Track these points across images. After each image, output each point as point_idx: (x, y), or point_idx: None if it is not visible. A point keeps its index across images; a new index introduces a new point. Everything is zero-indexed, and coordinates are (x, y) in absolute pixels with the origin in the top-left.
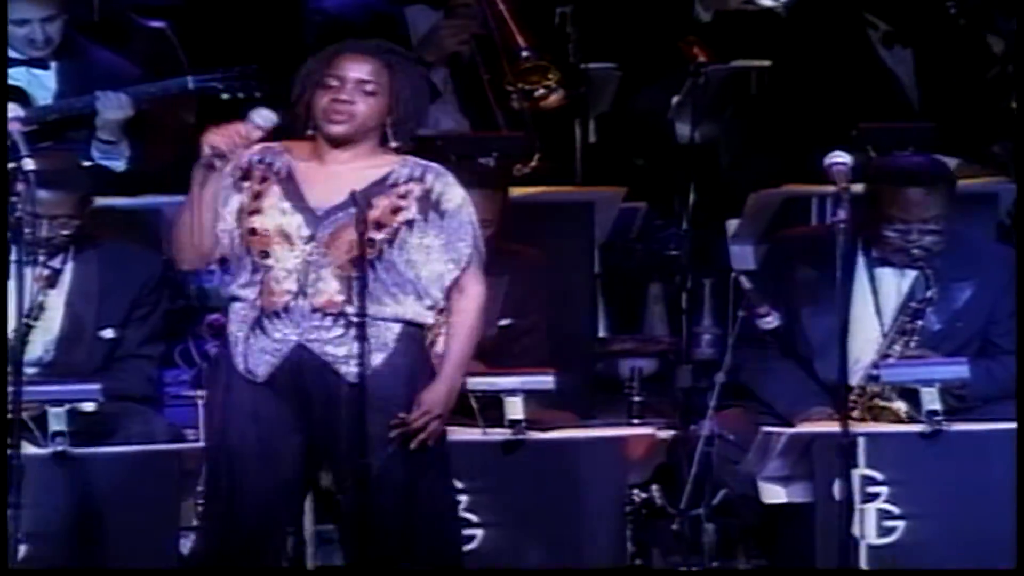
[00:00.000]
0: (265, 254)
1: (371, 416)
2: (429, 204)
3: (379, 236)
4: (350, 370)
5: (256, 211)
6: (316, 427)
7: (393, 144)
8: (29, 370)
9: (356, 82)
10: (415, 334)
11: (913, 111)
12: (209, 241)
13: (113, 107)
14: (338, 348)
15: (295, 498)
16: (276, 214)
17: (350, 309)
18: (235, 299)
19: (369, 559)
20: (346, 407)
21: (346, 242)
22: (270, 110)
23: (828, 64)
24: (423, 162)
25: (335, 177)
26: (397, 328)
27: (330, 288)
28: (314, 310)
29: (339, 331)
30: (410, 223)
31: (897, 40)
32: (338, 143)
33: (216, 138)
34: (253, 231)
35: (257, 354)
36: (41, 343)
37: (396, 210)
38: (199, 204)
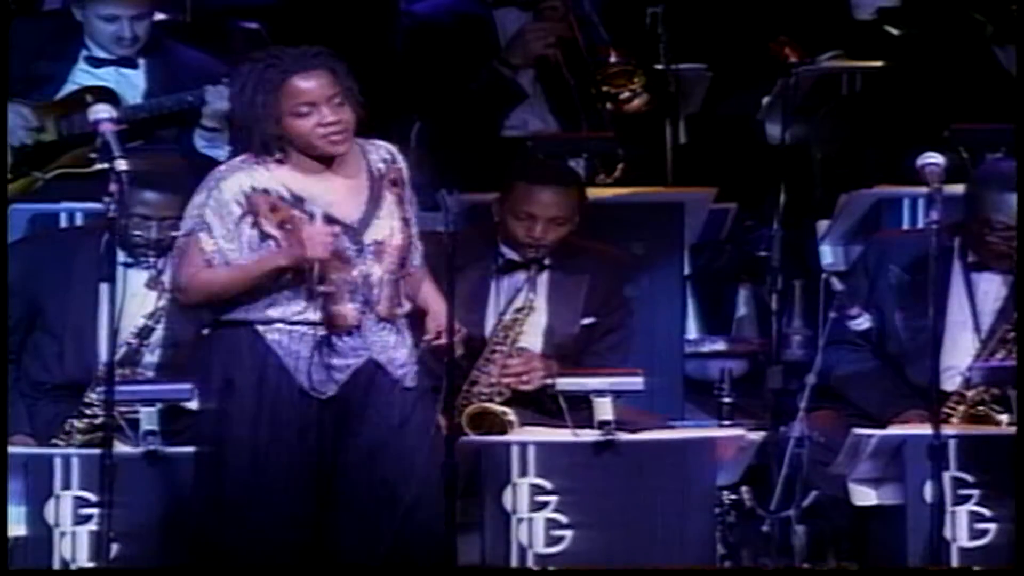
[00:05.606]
0: (322, 279)
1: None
2: (404, 184)
3: (411, 231)
4: (407, 372)
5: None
6: (365, 436)
7: None
8: (148, 373)
9: (326, 99)
10: None
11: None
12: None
13: (223, 97)
14: (396, 353)
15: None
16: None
17: (399, 312)
18: (278, 321)
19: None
20: (399, 409)
21: (391, 248)
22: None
23: (945, 64)
24: (375, 141)
25: (338, 189)
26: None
27: (388, 296)
28: (380, 320)
29: (394, 337)
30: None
31: (1007, 39)
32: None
33: (319, 250)
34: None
35: (323, 371)
36: (160, 346)
37: (400, 201)
38: (251, 279)
